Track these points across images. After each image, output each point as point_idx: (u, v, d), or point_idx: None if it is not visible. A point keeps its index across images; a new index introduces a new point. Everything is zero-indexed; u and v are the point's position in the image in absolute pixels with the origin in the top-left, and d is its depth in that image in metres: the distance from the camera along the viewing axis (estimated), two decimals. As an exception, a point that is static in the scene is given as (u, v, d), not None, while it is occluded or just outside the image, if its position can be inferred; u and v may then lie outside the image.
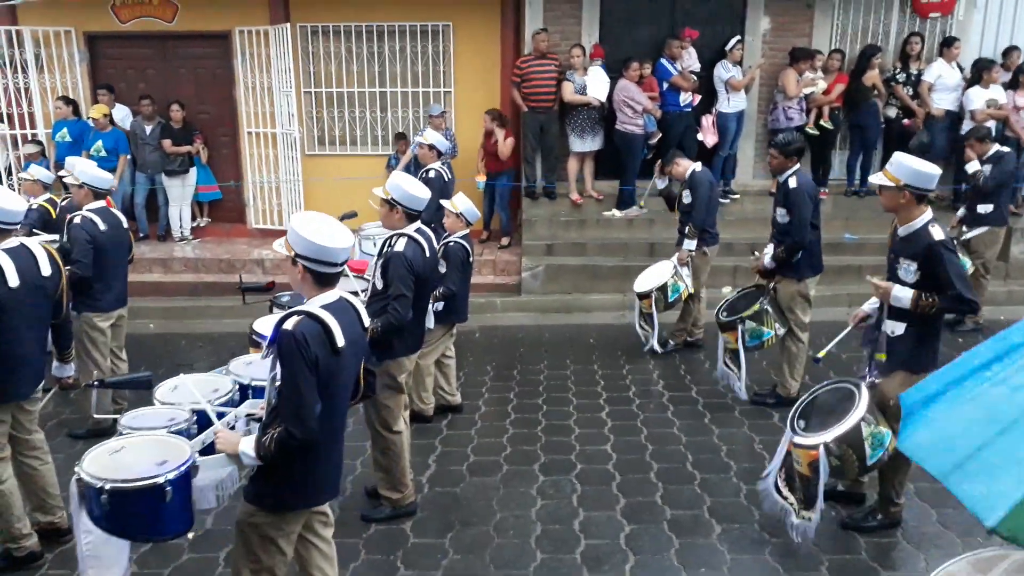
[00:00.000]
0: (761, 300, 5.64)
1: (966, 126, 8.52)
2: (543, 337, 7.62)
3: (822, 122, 8.93)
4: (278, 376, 2.80)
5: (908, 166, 3.96)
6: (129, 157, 9.40)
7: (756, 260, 5.87)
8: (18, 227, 3.84)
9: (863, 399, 3.89)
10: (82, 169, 5.33)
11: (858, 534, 4.26)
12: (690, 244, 6.66)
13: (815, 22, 9.20)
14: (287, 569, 3.11)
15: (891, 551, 4.15)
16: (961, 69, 8.93)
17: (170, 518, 2.91)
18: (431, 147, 6.95)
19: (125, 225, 5.54)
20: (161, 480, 2.84)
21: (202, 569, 4.02)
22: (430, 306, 4.86)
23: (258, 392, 3.58)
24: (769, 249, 5.72)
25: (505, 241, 9.31)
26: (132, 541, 3.49)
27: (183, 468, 2.91)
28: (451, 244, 5.33)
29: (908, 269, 3.96)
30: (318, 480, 3.01)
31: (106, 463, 2.94)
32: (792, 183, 5.51)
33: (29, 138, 9.35)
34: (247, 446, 2.84)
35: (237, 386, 3.63)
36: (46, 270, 3.85)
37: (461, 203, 5.40)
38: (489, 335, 7.65)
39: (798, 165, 5.61)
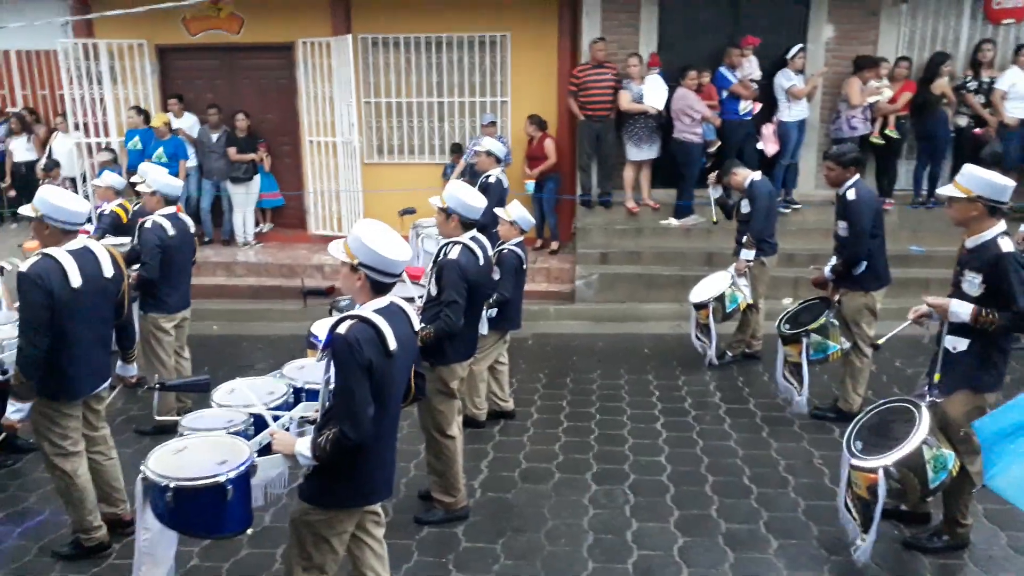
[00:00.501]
0: (827, 313, 5.49)
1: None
2: (596, 346, 7.58)
3: (887, 131, 8.71)
4: (332, 379, 2.86)
5: (980, 177, 3.83)
6: (196, 164, 9.72)
7: (815, 271, 5.74)
8: (81, 228, 3.95)
9: (924, 420, 3.73)
10: (154, 177, 5.53)
11: (923, 555, 4.11)
12: (748, 254, 6.55)
13: (881, 29, 8.98)
14: (338, 568, 3.16)
15: (957, 574, 3.99)
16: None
17: (230, 516, 2.99)
18: (488, 153, 7.01)
19: (192, 230, 5.74)
20: (223, 479, 2.93)
21: (260, 564, 4.11)
22: (484, 313, 4.89)
23: (311, 395, 3.66)
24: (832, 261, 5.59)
25: (555, 246, 9.30)
26: (193, 537, 3.60)
27: (243, 468, 2.99)
28: (505, 251, 5.36)
29: (973, 282, 3.82)
30: (372, 480, 3.06)
31: (170, 462, 3.04)
32: (851, 195, 5.36)
33: (103, 146, 9.74)
34: (303, 447, 2.90)
35: (291, 389, 3.71)
36: (108, 271, 3.95)
37: (515, 211, 5.43)
38: (542, 343, 7.65)
39: (857, 176, 5.45)
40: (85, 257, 3.86)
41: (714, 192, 7.06)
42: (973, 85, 8.69)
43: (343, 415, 2.80)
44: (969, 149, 8.50)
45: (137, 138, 9.48)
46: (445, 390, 4.36)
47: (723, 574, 4.02)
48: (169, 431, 5.18)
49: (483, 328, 4.92)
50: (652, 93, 8.69)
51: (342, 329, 2.81)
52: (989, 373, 3.86)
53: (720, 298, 6.55)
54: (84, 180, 9.80)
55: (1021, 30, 8.98)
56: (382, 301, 2.96)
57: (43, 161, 10.18)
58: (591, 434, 5.62)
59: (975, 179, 3.84)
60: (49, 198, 3.77)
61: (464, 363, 4.48)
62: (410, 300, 4.56)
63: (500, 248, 5.39)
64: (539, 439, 5.57)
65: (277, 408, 3.43)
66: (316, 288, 8.31)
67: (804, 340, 5.47)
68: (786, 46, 8.72)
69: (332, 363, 2.84)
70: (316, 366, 3.93)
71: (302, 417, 3.44)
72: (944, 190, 4.02)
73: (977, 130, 8.67)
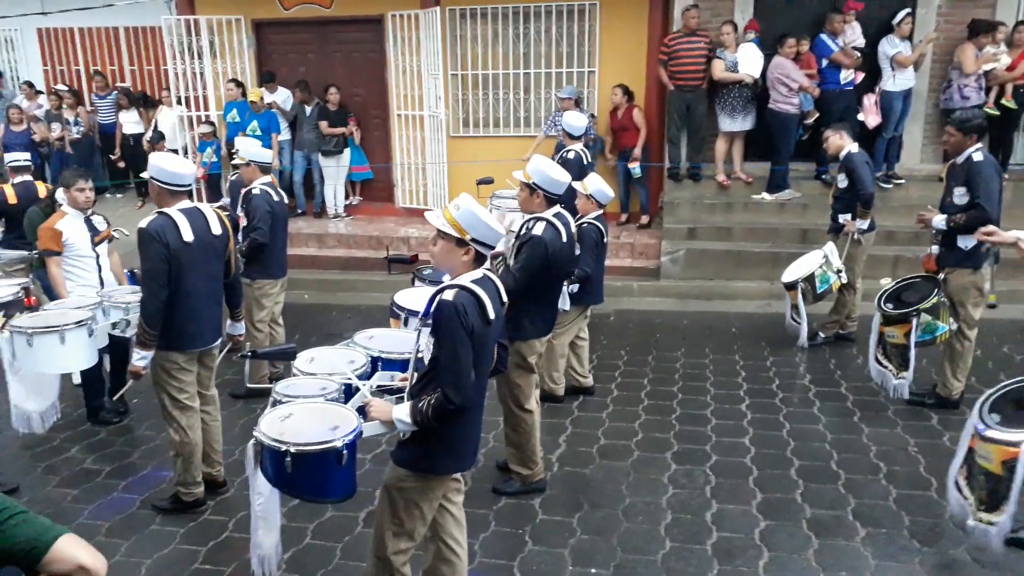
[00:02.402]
0: (937, 291, 5.18)
1: None
2: (681, 324, 7.43)
3: (1004, 101, 8.12)
4: (429, 347, 2.93)
5: None
6: (288, 137, 10.00)
7: (927, 213, 5.26)
8: (189, 189, 4.19)
9: None
10: (245, 148, 5.77)
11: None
12: (862, 224, 6.28)
13: (1000, -9, 8.35)
14: (424, 532, 3.23)
15: (1064, 574, 3.75)
16: None
17: (341, 480, 3.07)
18: (564, 132, 6.95)
19: (285, 200, 5.93)
20: (339, 444, 2.99)
21: (343, 527, 4.24)
22: (564, 288, 4.85)
23: (386, 364, 3.72)
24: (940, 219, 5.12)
25: (645, 220, 9.14)
26: (304, 501, 3.73)
27: (356, 433, 3.07)
28: (584, 226, 5.28)
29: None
30: (466, 445, 3.14)
31: (281, 428, 3.12)
32: (978, 156, 4.99)
33: (203, 119, 10.13)
34: (402, 413, 2.96)
35: (369, 359, 3.78)
36: (216, 230, 4.20)
37: (592, 184, 5.34)
38: (624, 319, 7.55)
39: (980, 145, 5.09)
40: (195, 216, 4.11)
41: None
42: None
43: (448, 379, 2.86)
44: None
45: (235, 111, 9.80)
46: (523, 364, 4.38)
47: (806, 560, 3.90)
48: (260, 396, 5.45)
49: (564, 304, 4.89)
50: (747, 61, 8.36)
51: (448, 296, 2.88)
52: None
53: (810, 278, 6.29)
54: (186, 152, 10.22)
55: None
56: (478, 272, 3.02)
57: (149, 134, 10.71)
58: (672, 413, 5.53)
59: None
60: (156, 161, 4.05)
61: (543, 339, 4.48)
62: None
63: (580, 223, 5.32)
64: (618, 416, 5.52)
65: (359, 377, 3.50)
66: (400, 256, 8.46)
67: (914, 320, 5.16)
68: (893, 11, 8.21)
69: (436, 330, 2.90)
70: (386, 335, 4.04)
71: (380, 386, 3.50)
72: None
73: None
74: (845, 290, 6.49)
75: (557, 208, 4.33)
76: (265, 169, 5.76)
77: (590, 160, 6.96)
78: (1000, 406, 3.64)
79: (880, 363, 5.44)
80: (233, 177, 6.91)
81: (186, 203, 4.12)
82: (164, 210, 4.04)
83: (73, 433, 5.42)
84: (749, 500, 4.43)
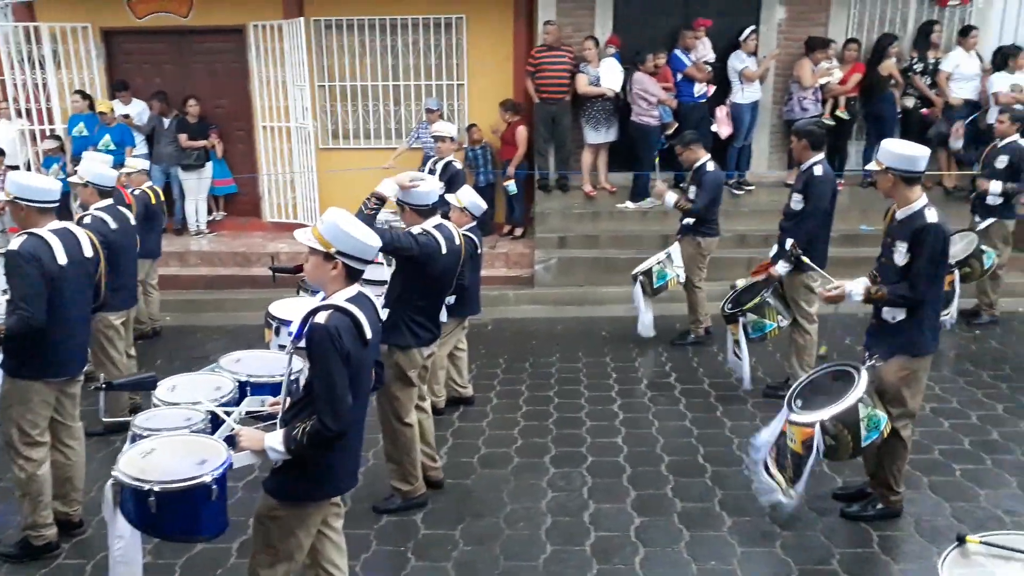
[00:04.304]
0: (763, 293, 5.62)
1: (992, 113, 8.31)
2: (555, 330, 7.62)
3: (838, 112, 8.86)
4: (304, 370, 2.84)
5: (890, 150, 3.95)
6: (145, 152, 9.49)
7: (771, 269, 5.72)
8: (56, 207, 3.94)
9: (862, 380, 3.92)
10: (86, 167, 5.32)
11: (864, 524, 4.24)
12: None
13: (831, 12, 9.10)
14: (303, 558, 3.14)
15: (903, 544, 4.12)
16: (980, 58, 8.80)
17: (211, 517, 2.93)
18: (451, 139, 6.99)
19: (134, 222, 5.54)
20: (208, 479, 2.85)
21: (215, 559, 4.06)
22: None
23: (256, 389, 3.62)
24: (780, 265, 5.58)
25: (519, 232, 9.31)
26: (173, 542, 3.53)
27: (226, 466, 2.93)
28: (461, 237, 5.32)
29: (900, 251, 3.95)
30: (344, 469, 3.05)
31: (142, 465, 2.94)
32: (817, 171, 5.45)
33: (48, 134, 9.45)
34: (275, 441, 2.85)
35: (237, 384, 3.65)
36: (88, 252, 3.99)
37: (465, 197, 5.40)
38: (501, 327, 7.66)
39: (822, 155, 5.55)
40: (67, 237, 3.89)
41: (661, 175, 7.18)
42: (919, 67, 8.85)
43: (324, 406, 2.77)
44: (916, 129, 8.68)
45: (82, 124, 9.21)
46: (403, 376, 4.34)
47: (678, 553, 4.10)
48: (119, 432, 5.12)
49: (442, 315, 4.90)
50: (608, 75, 8.70)
51: (321, 319, 2.77)
52: (925, 338, 4.02)
53: (648, 273, 6.68)
54: (28, 169, 9.50)
55: (966, 12, 9.17)
56: (352, 290, 2.93)
57: (-16, 149, 9.87)
58: (549, 418, 5.66)
59: (884, 152, 3.98)
60: (17, 179, 3.83)
61: (425, 350, 4.45)
62: (383, 283, 4.52)
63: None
64: (498, 424, 5.60)
65: (226, 404, 3.37)
66: (284, 266, 8.20)
67: (741, 319, 5.60)
68: (740, 28, 8.79)
69: (309, 355, 2.81)
70: (254, 357, 3.91)
71: (249, 412, 3.38)
72: (869, 165, 4.21)
73: (924, 110, 8.85)
74: (689, 290, 6.87)
75: (437, 219, 4.35)
76: (105, 193, 5.31)
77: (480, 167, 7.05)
78: (805, 393, 4.09)
79: (737, 356, 5.81)
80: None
81: (56, 223, 3.89)
82: (35, 231, 3.80)
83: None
84: (624, 498, 4.60)
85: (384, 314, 4.16)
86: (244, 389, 3.59)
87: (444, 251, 4.27)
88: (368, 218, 3.85)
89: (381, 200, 4.02)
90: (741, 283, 6.31)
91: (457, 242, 4.45)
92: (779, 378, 5.98)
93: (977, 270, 6.64)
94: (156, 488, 2.81)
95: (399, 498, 4.51)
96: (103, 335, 5.34)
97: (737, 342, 5.71)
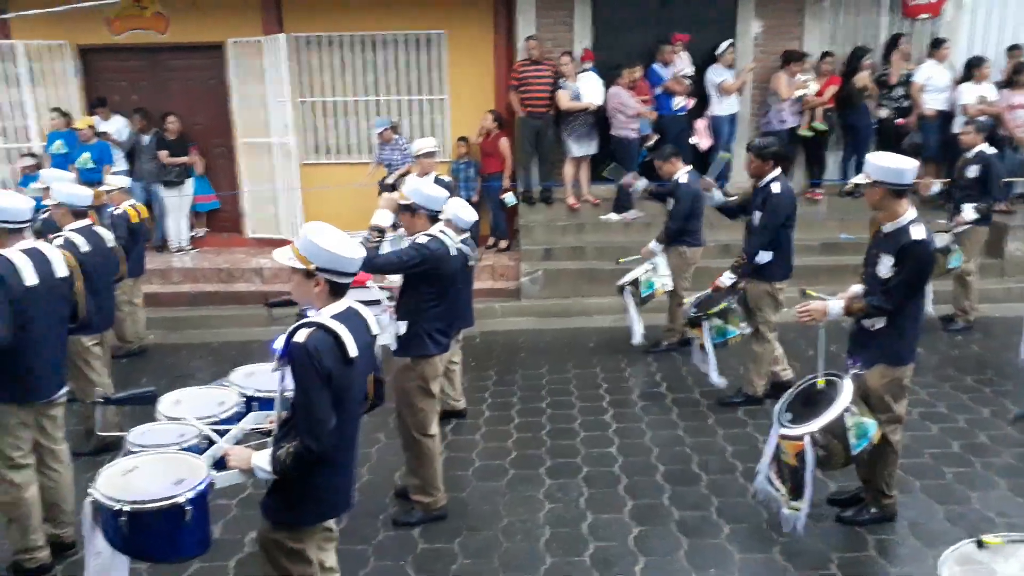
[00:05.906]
0: (728, 299, 5.68)
1: (958, 123, 8.56)
2: (543, 341, 7.63)
3: (815, 124, 9.00)
4: (289, 389, 2.78)
5: (876, 164, 3.98)
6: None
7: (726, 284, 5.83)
8: (28, 226, 3.85)
9: (846, 390, 3.95)
10: (58, 187, 5.16)
11: (858, 528, 4.28)
12: (656, 247, 6.77)
13: (806, 25, 9.27)
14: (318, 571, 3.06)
15: (899, 548, 4.17)
16: (953, 70, 9.02)
17: (189, 538, 2.85)
18: (433, 154, 7.04)
19: (110, 243, 5.36)
20: (181, 500, 2.78)
21: (212, 579, 4.01)
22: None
23: (264, 404, 3.54)
24: (725, 276, 5.72)
25: (504, 244, 9.33)
26: (150, 563, 3.46)
27: (202, 487, 2.86)
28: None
29: (886, 264, 3.99)
30: (334, 493, 2.96)
31: (121, 484, 2.88)
32: (775, 188, 5.52)
33: (24, 152, 9.32)
34: (261, 460, 2.79)
35: (243, 399, 3.60)
36: (61, 272, 3.92)
37: (452, 209, 5.41)
38: (490, 340, 7.66)
39: (779, 170, 5.62)
40: (37, 257, 3.81)
41: (640, 184, 7.21)
42: (884, 78, 9.05)
43: (304, 428, 2.70)
44: (891, 140, 8.85)
45: (60, 142, 9.11)
46: (425, 387, 4.32)
47: (678, 561, 4.11)
48: (110, 449, 5.03)
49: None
50: (589, 89, 8.78)
51: (300, 338, 2.70)
52: (905, 347, 4.08)
53: (635, 283, 6.73)
54: (4, 186, 9.34)
55: (936, 25, 9.40)
56: (340, 306, 2.87)
57: (-41, 168, 9.71)
58: (543, 429, 5.66)
59: (871, 165, 4.02)
60: None
61: (444, 355, 4.44)
62: (376, 303, 4.51)
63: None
64: (492, 436, 5.59)
65: (229, 420, 3.32)
66: (282, 300, 8.04)
67: (705, 324, 5.65)
68: (717, 42, 8.92)
69: (290, 373, 2.75)
70: (266, 373, 3.84)
71: (252, 429, 3.33)
72: (855, 178, 4.24)
73: (899, 121, 9.04)
74: (673, 299, 6.93)
75: (442, 224, 4.38)
76: (79, 213, 5.11)
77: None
78: (794, 406, 4.12)
79: (703, 351, 5.82)
80: (44, 215, 6.26)
81: (26, 242, 3.81)
82: (2, 252, 3.72)
83: None
84: (621, 508, 4.61)
85: (402, 327, 4.19)
86: (250, 404, 3.54)
87: (453, 252, 4.32)
88: (373, 251, 3.92)
89: (381, 231, 4.06)
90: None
91: (461, 247, 4.53)
92: (733, 387, 5.97)
93: (942, 266, 6.65)
94: (127, 508, 2.75)
95: (420, 511, 4.49)
96: (80, 358, 5.14)
97: (702, 345, 5.75)
